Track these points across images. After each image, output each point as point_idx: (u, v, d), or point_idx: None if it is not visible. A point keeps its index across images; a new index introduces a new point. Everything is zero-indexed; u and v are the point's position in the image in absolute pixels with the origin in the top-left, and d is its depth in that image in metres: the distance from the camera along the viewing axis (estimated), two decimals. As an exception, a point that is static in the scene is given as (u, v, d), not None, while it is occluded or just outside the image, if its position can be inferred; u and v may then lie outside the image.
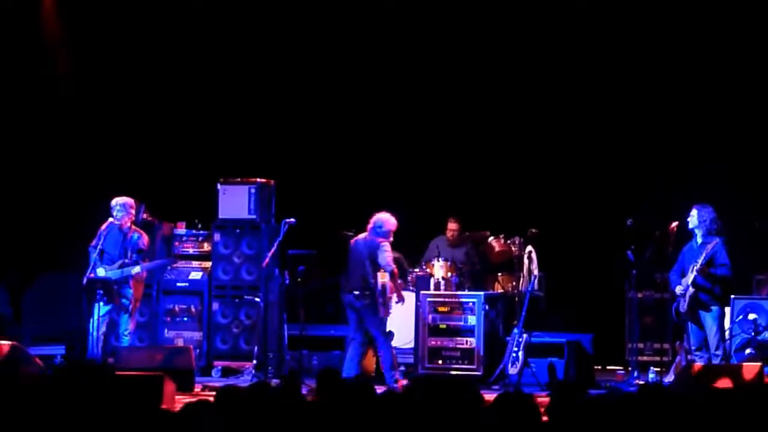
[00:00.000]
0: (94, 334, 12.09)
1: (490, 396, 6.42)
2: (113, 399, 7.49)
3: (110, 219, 12.44)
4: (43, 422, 6.87)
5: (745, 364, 11.66)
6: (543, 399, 5.95)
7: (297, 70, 15.67)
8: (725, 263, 12.00)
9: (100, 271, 12.26)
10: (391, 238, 12.25)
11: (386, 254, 12.13)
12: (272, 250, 12.69)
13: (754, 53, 14.38)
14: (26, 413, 6.87)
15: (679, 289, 12.13)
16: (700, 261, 11.93)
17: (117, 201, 12.46)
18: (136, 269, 12.31)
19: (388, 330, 13.24)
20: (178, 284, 14.13)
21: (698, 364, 11.63)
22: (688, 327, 12.24)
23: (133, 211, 12.56)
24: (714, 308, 12.05)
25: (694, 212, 12.18)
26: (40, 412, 7.03)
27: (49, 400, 7.38)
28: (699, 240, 12.14)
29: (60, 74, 15.60)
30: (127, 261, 12.33)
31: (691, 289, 11.99)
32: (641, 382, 12.25)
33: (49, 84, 15.56)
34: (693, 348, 12.14)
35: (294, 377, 10.19)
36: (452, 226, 14.40)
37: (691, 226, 12.20)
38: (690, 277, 12.02)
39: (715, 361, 11.89)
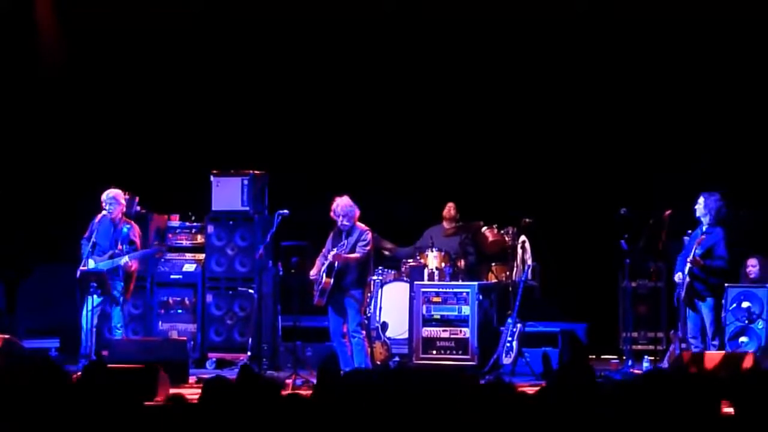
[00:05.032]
0: (87, 326, 12.12)
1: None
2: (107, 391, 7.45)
3: (102, 212, 12.50)
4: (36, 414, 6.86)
5: (738, 351, 11.69)
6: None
7: (290, 60, 15.65)
8: (723, 255, 11.94)
9: (91, 263, 12.32)
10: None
11: None
12: (265, 242, 12.68)
13: (749, 47, 14.37)
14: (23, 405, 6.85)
15: (677, 277, 12.11)
16: (693, 251, 11.91)
17: (107, 194, 12.58)
18: (125, 259, 12.35)
19: (382, 321, 13.27)
20: (172, 276, 14.15)
21: (692, 351, 11.65)
22: (685, 315, 12.24)
23: (124, 203, 12.65)
24: (709, 299, 12.03)
25: (701, 200, 12.07)
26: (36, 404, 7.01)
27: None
28: (704, 228, 12.09)
29: (54, 67, 15.57)
30: (116, 252, 12.37)
31: (687, 279, 11.99)
32: (635, 371, 12.31)
33: (43, 76, 15.53)
34: (689, 336, 12.12)
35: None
36: (451, 206, 14.29)
37: (698, 214, 12.11)
38: (687, 266, 12.01)
39: (712, 350, 11.88)
